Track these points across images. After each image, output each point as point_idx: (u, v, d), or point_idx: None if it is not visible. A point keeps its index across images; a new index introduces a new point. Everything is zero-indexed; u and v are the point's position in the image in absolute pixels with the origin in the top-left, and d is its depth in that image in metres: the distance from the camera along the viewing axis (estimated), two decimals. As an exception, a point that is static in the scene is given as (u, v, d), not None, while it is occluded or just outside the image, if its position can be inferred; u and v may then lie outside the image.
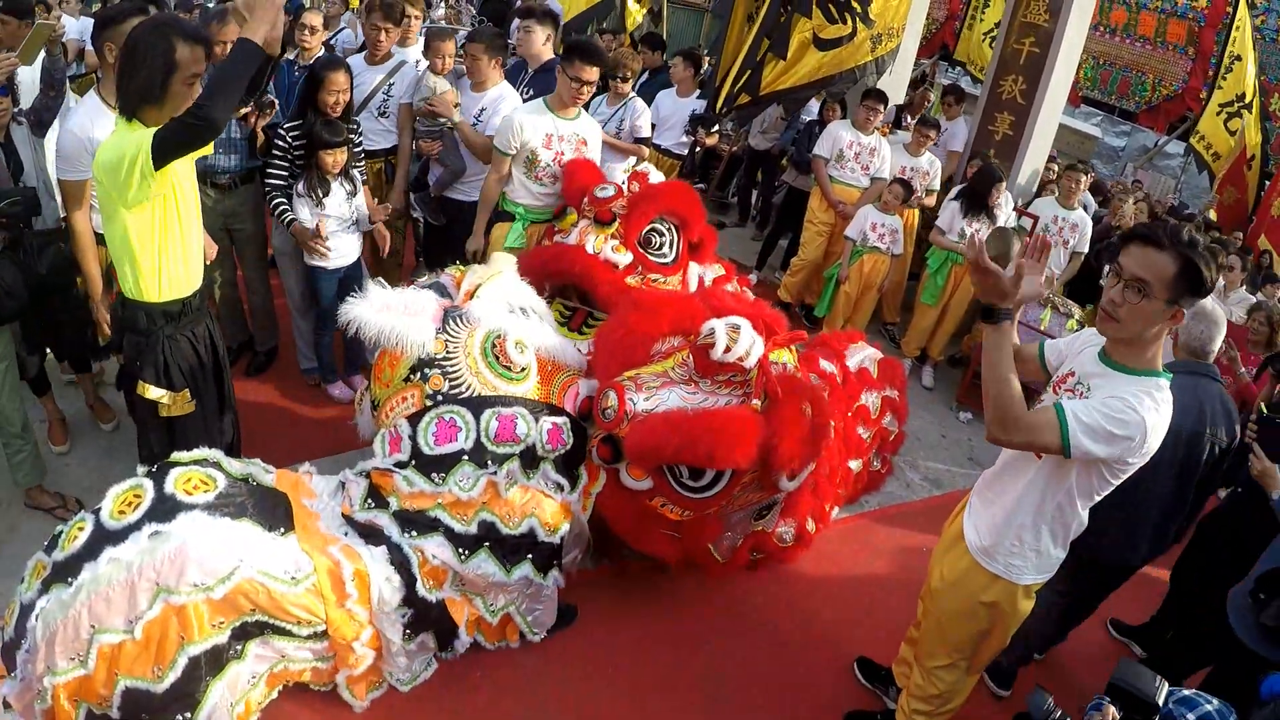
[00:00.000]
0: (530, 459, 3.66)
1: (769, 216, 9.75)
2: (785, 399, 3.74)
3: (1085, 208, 8.02)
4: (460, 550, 3.46)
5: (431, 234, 6.29)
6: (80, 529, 2.86)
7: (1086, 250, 7.68)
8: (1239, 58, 11.17)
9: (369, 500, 3.49)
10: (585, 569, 4.45)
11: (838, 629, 4.62)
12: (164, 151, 2.92)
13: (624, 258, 4.76)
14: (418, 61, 5.98)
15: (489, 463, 3.53)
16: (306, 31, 5.95)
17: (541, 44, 6.29)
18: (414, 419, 3.54)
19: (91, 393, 4.94)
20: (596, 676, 3.99)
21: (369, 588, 3.26)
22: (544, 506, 3.65)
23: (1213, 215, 11.30)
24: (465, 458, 3.49)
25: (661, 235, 4.94)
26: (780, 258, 8.88)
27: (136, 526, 2.81)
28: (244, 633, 2.97)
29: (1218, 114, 11.36)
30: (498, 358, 3.69)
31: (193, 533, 2.80)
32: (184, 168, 3.17)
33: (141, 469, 3.11)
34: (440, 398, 3.56)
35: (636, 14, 10.91)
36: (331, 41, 8.40)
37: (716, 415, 3.67)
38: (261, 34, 2.96)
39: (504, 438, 3.56)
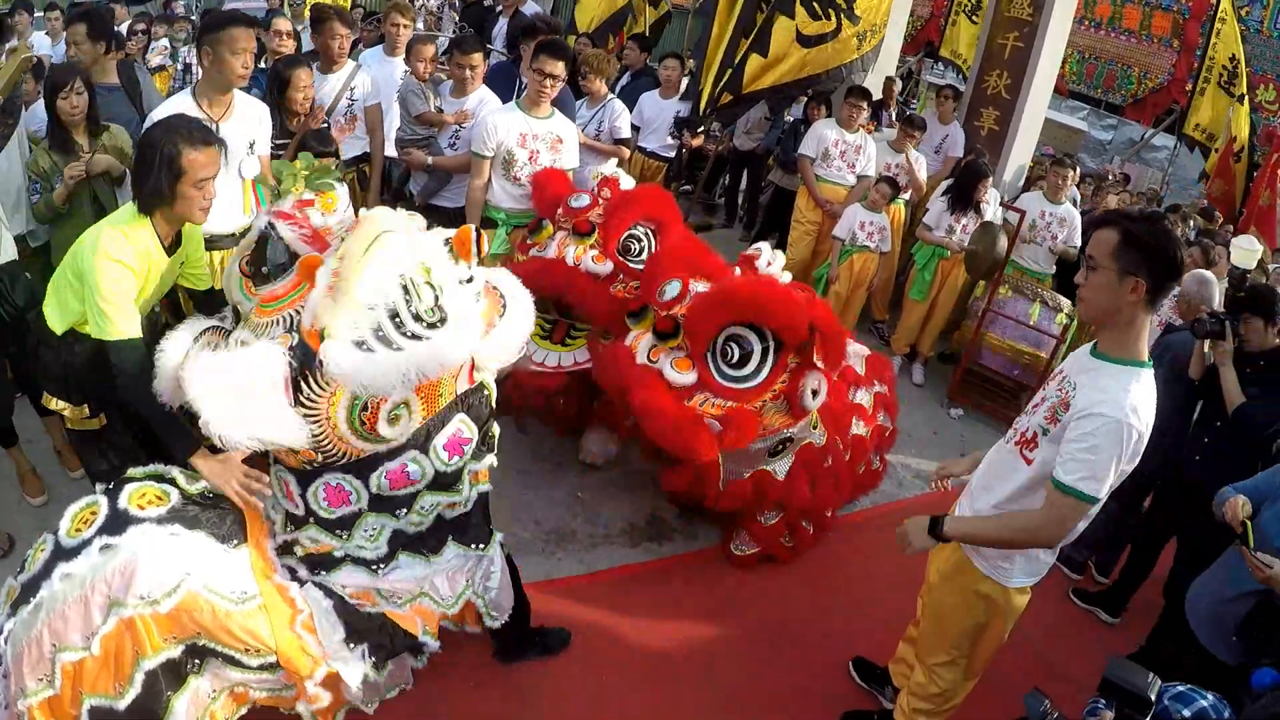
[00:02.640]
0: (441, 483, 3.15)
1: (756, 217, 9.71)
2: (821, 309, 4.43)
3: (1074, 202, 7.99)
4: (375, 567, 3.16)
5: None
6: (42, 550, 2.85)
7: (1079, 243, 7.63)
8: (1233, 57, 11.18)
9: (288, 525, 3.16)
10: (581, 574, 4.45)
11: (833, 628, 4.59)
12: (112, 353, 3.07)
13: (605, 268, 4.72)
14: (407, 71, 5.94)
15: (396, 509, 3.10)
16: (278, 39, 5.93)
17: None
18: (300, 477, 3.02)
19: (59, 437, 4.55)
20: (593, 675, 3.96)
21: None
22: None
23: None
24: (365, 511, 3.07)
25: (639, 241, 4.89)
26: (768, 259, 8.81)
27: (88, 542, 2.77)
28: (198, 650, 2.90)
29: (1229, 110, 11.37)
30: (370, 431, 2.84)
31: (142, 545, 2.75)
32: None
33: (99, 487, 3.08)
34: (318, 465, 2.94)
35: (651, 16, 10.89)
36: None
37: (772, 285, 4.34)
38: (202, 467, 3.03)
39: (399, 485, 3.02)
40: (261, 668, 2.96)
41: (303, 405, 2.71)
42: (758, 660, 4.29)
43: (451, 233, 2.99)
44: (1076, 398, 2.80)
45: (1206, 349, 4.42)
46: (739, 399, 4.18)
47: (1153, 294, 2.70)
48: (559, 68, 5.15)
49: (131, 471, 3.07)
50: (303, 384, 2.70)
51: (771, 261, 4.71)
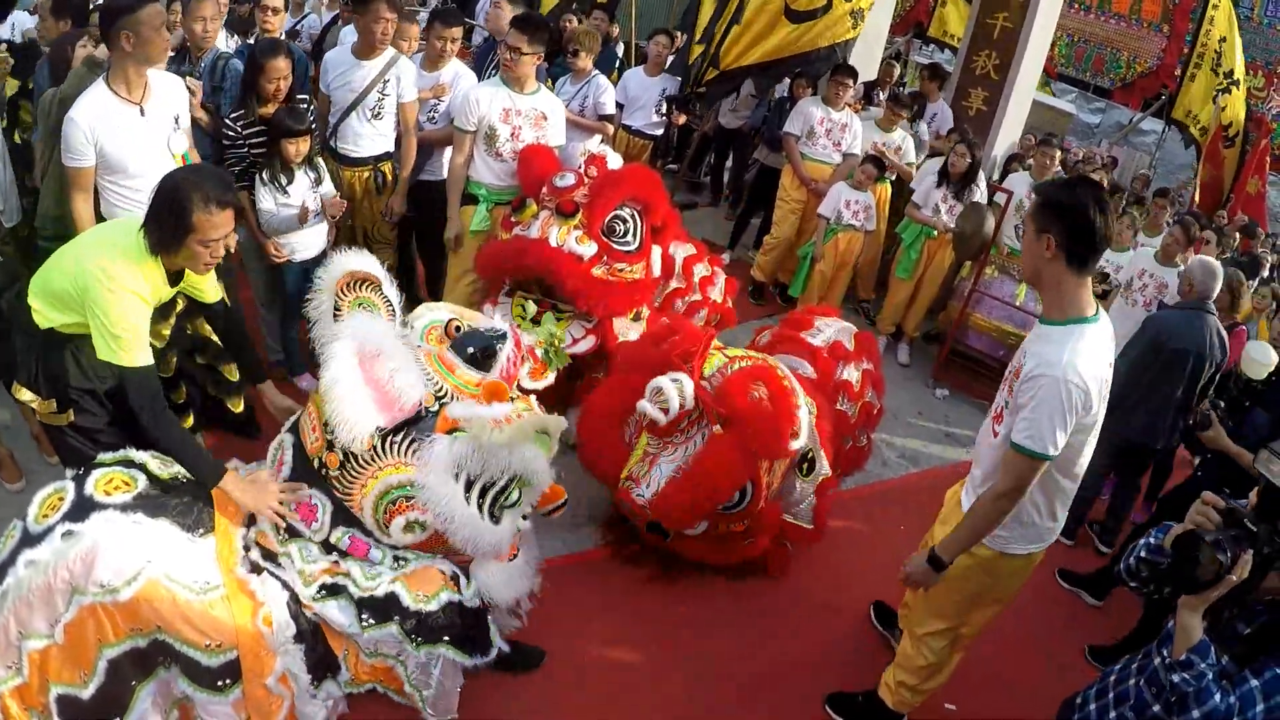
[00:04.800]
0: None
1: (741, 195, 9.65)
2: (736, 410, 3.98)
3: (1059, 181, 7.94)
4: (364, 619, 3.10)
5: (407, 227, 6.00)
6: (11, 536, 2.82)
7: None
8: (1224, 39, 11.14)
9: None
10: (564, 554, 4.41)
11: (818, 605, 4.58)
12: (127, 379, 3.04)
13: (588, 249, 4.67)
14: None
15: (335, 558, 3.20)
16: (268, 13, 5.81)
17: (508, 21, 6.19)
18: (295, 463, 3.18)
19: (35, 422, 4.35)
20: (577, 654, 3.92)
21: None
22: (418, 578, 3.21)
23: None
24: (313, 542, 3.16)
25: (625, 222, 4.84)
26: (753, 237, 8.78)
27: (52, 528, 2.73)
28: (163, 648, 2.83)
29: (1215, 98, 11.33)
30: (386, 519, 3.05)
31: (104, 532, 2.69)
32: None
33: (69, 472, 3.03)
34: (322, 475, 3.11)
35: None
36: (297, 26, 8.26)
37: (703, 461, 4.00)
38: (235, 492, 3.06)
39: (356, 553, 3.15)
40: (221, 679, 2.86)
41: (376, 451, 2.99)
42: (742, 637, 4.26)
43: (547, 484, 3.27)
44: (1025, 364, 2.93)
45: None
46: (749, 513, 4.19)
47: (1068, 251, 2.84)
48: (522, 41, 5.06)
49: (101, 457, 3.03)
50: (396, 434, 3.01)
51: (668, 409, 3.99)
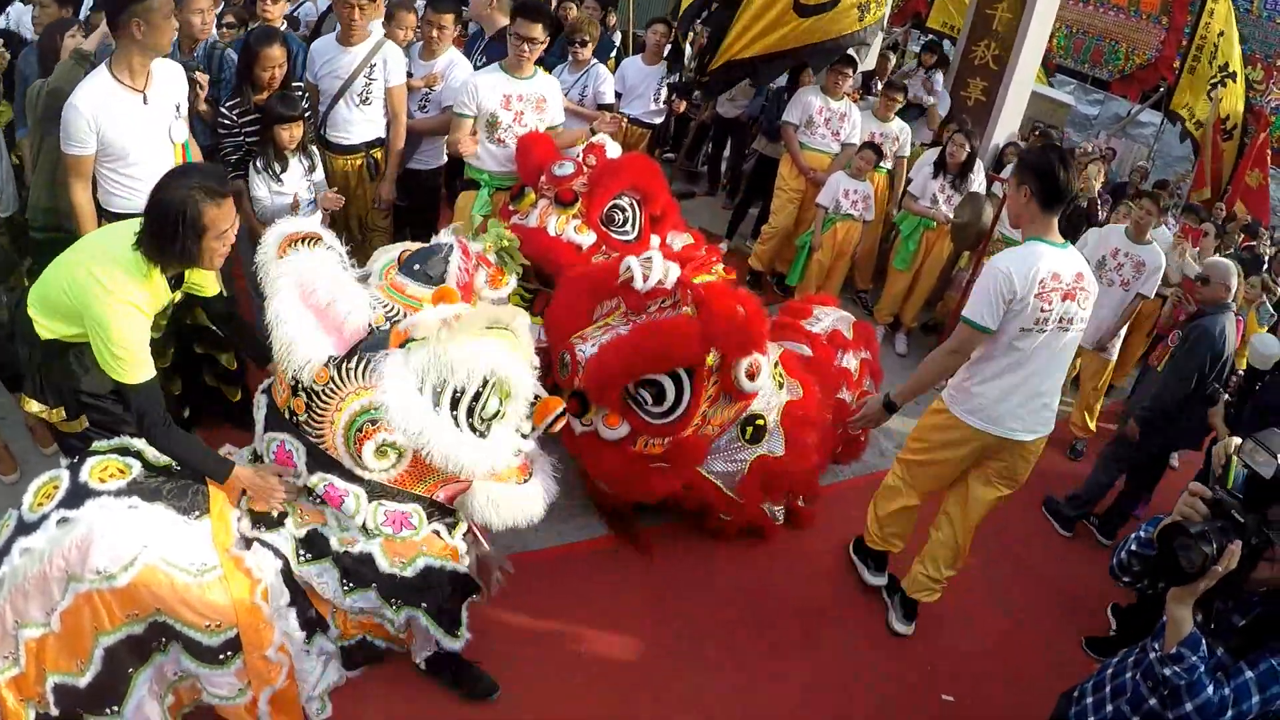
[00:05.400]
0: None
1: (739, 185, 9.63)
2: (711, 296, 4.03)
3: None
4: (345, 582, 3.10)
5: (399, 216, 5.92)
6: (6, 526, 2.81)
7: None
8: (1222, 33, 11.12)
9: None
10: (556, 545, 4.41)
11: (814, 598, 4.57)
12: (131, 395, 2.99)
13: (587, 238, 4.65)
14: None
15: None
16: (264, 3, 5.76)
17: (488, 6, 6.16)
18: (269, 419, 3.12)
19: (31, 414, 4.52)
20: (569, 647, 3.93)
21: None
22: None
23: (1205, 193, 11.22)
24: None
25: (624, 211, 4.83)
26: (751, 226, 8.76)
27: (47, 516, 2.71)
28: (161, 628, 2.82)
29: (1209, 92, 11.32)
30: (356, 447, 2.93)
31: (99, 519, 2.67)
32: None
33: (64, 460, 3.01)
34: (295, 422, 3.02)
35: None
36: (294, 13, 8.20)
37: (651, 323, 4.05)
38: (233, 491, 3.05)
39: (331, 503, 3.03)
40: (222, 654, 2.86)
41: (334, 381, 2.88)
42: (736, 629, 4.25)
43: (543, 394, 3.19)
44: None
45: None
46: (676, 431, 4.09)
47: (1041, 197, 3.70)
48: (538, 30, 5.03)
49: (96, 445, 3.01)
50: (350, 359, 2.89)
51: (650, 273, 4.10)
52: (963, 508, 4.22)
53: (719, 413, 4.21)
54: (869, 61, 9.19)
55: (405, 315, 2.99)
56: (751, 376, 4.11)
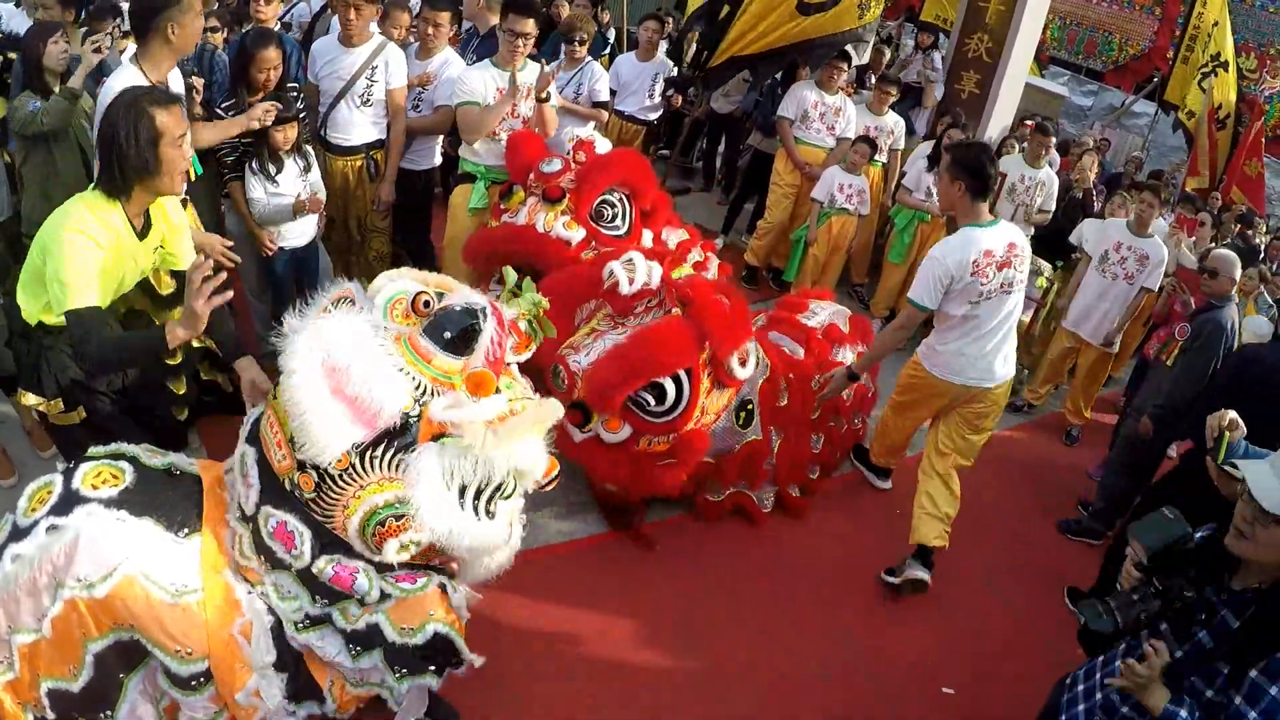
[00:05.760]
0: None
1: (734, 180, 9.63)
2: (697, 294, 4.15)
3: (1050, 165, 7.97)
4: (351, 647, 2.90)
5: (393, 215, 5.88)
6: (2, 530, 2.78)
7: (1054, 208, 7.63)
8: (1216, 23, 11.13)
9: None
10: (559, 542, 4.42)
11: (813, 593, 4.58)
12: (72, 324, 2.96)
13: (576, 234, 4.67)
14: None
15: (318, 594, 2.83)
16: (261, 2, 5.75)
17: (480, 6, 6.15)
18: (267, 491, 2.78)
19: (29, 416, 4.26)
20: (572, 644, 3.93)
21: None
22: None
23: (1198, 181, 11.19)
24: (294, 572, 2.81)
25: (613, 207, 4.84)
26: (746, 221, 8.77)
27: (38, 522, 2.68)
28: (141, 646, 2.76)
29: (1199, 81, 11.32)
30: (377, 542, 2.70)
31: (85, 526, 2.63)
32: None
33: (60, 465, 2.99)
34: (302, 501, 2.72)
35: None
36: (286, 18, 8.19)
37: (646, 330, 4.08)
38: (180, 338, 2.94)
39: (340, 585, 2.77)
40: (194, 680, 2.72)
41: (355, 469, 2.59)
42: (736, 622, 4.26)
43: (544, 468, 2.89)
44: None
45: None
46: (674, 428, 4.15)
47: (973, 190, 4.23)
48: (529, 26, 5.05)
49: (92, 450, 2.95)
50: (376, 447, 2.58)
51: (634, 277, 4.17)
52: (937, 452, 4.73)
53: (714, 401, 4.27)
54: (863, 56, 9.18)
55: (432, 391, 2.63)
56: (743, 363, 4.27)
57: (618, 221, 4.86)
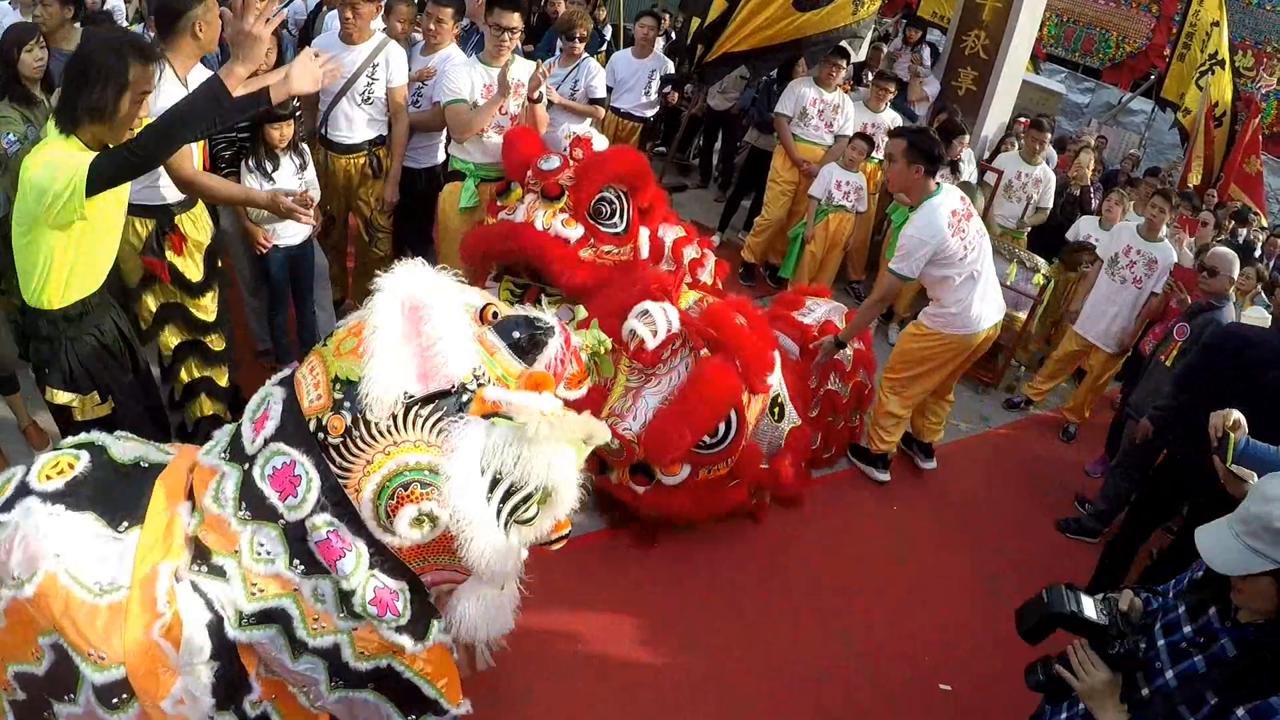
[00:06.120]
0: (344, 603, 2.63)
1: (731, 177, 9.63)
2: (722, 331, 4.19)
3: (1048, 161, 7.98)
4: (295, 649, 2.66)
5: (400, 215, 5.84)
6: None
7: (1051, 204, 7.64)
8: (1216, 23, 11.12)
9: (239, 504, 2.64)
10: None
11: (810, 588, 4.58)
12: (98, 182, 2.89)
13: (575, 231, 4.66)
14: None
15: (299, 560, 2.57)
16: None
17: (480, 3, 6.12)
18: (284, 429, 2.59)
19: (24, 415, 4.09)
20: (562, 644, 3.92)
21: (181, 622, 2.53)
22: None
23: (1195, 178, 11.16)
24: (280, 529, 2.56)
25: (611, 204, 4.83)
26: (743, 219, 8.77)
27: None
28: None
29: (1197, 80, 11.30)
30: (389, 511, 2.51)
31: (22, 522, 2.52)
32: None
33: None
34: (321, 441, 2.53)
35: None
36: (282, 12, 8.17)
37: (695, 386, 4.10)
38: (240, 76, 3.00)
39: (327, 557, 2.54)
40: (112, 694, 2.48)
41: (395, 421, 2.47)
42: (737, 622, 4.25)
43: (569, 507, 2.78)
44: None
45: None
46: (731, 454, 4.30)
47: (927, 170, 4.76)
48: (514, 20, 5.03)
49: (65, 440, 2.86)
50: (425, 405, 2.49)
51: (657, 323, 4.10)
52: (934, 399, 5.52)
53: (751, 412, 4.37)
54: (861, 53, 9.19)
55: (490, 382, 2.57)
56: (771, 368, 4.45)
57: (615, 219, 4.85)
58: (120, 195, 3.19)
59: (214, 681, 2.60)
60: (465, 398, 2.52)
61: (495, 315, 2.67)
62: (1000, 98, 8.61)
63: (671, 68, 7.73)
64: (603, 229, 4.77)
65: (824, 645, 4.24)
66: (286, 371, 2.75)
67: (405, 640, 2.67)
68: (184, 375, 4.35)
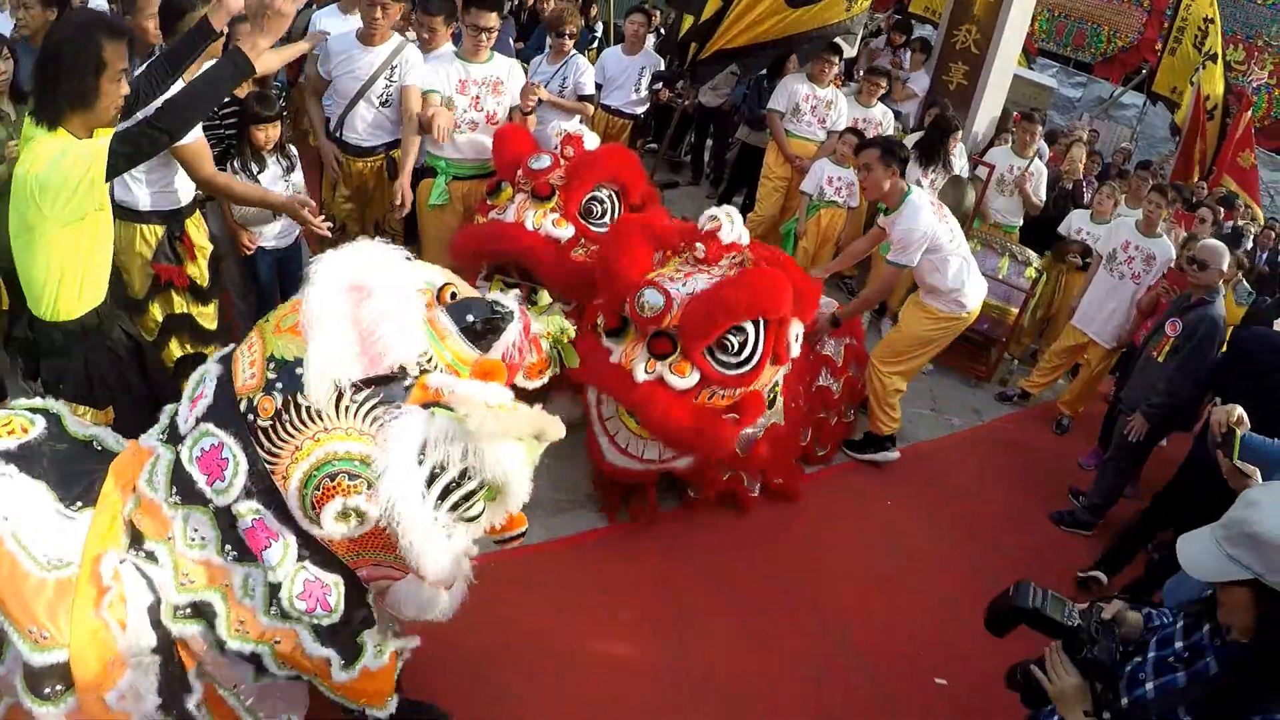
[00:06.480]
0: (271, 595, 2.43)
1: (722, 174, 9.62)
2: (785, 260, 4.59)
3: (1040, 156, 7.97)
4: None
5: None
6: None
7: (1045, 198, 7.63)
8: (1210, 20, 11.14)
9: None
10: (545, 540, 4.37)
11: (804, 584, 4.55)
12: (121, 163, 2.90)
13: (565, 231, 4.63)
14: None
15: (228, 549, 2.41)
16: None
17: None
18: (215, 410, 2.42)
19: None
20: (560, 642, 3.87)
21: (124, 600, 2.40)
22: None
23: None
24: (210, 513, 2.40)
25: (602, 203, 4.80)
26: (736, 216, 8.74)
27: None
28: None
29: (1191, 77, 11.33)
30: (314, 504, 2.30)
31: None
32: None
33: None
34: (250, 424, 2.34)
35: None
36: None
37: (751, 272, 4.24)
38: (263, 49, 3.01)
39: (254, 545, 2.38)
40: (44, 681, 2.32)
41: (311, 413, 2.28)
42: (729, 621, 4.22)
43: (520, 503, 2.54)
44: (892, 233, 5.25)
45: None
46: (743, 383, 4.18)
47: (901, 174, 5.16)
48: (491, 19, 4.98)
49: (15, 401, 2.74)
50: (359, 391, 2.31)
51: (734, 227, 4.45)
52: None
53: (766, 375, 4.34)
54: (852, 49, 9.16)
55: (437, 368, 2.40)
56: (796, 339, 4.47)
57: (606, 219, 4.82)
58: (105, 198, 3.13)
59: (159, 680, 2.46)
60: (407, 384, 2.35)
61: (454, 296, 2.52)
62: (992, 92, 8.60)
63: (662, 64, 7.72)
64: (593, 228, 4.75)
65: (820, 642, 4.22)
66: (229, 348, 2.58)
67: (332, 659, 2.49)
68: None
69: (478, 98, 5.13)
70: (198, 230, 4.14)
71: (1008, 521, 5.51)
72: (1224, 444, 3.07)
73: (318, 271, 2.30)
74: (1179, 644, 2.19)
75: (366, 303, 2.27)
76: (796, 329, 4.47)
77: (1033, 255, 7.20)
